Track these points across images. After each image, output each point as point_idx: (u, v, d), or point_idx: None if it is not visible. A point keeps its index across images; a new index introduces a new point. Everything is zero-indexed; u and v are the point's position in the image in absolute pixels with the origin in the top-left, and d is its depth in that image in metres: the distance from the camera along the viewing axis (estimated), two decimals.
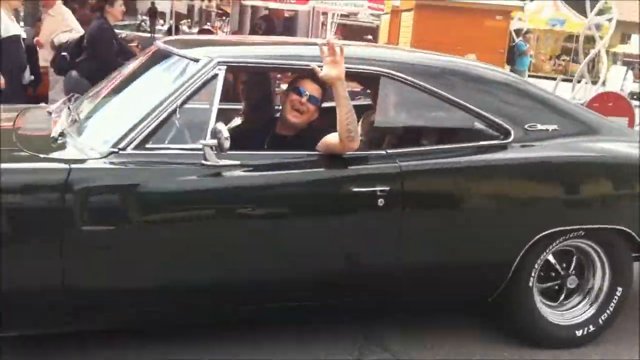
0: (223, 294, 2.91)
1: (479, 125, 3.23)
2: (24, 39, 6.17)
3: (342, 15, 15.99)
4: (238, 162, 2.82)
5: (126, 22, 12.98)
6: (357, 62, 3.13)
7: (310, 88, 3.14)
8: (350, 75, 3.16)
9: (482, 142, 3.21)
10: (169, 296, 2.84)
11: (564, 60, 23.69)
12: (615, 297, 3.43)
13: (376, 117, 3.15)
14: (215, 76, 2.88)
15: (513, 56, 13.59)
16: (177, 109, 2.80)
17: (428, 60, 3.37)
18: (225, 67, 2.91)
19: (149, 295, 2.80)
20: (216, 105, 2.84)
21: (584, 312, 3.45)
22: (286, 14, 15.11)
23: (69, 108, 3.19)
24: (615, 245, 3.40)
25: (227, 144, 2.71)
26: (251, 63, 3.10)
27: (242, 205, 2.85)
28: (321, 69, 2.88)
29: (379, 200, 2.93)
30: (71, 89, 4.82)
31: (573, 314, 3.44)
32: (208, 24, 19.24)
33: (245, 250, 2.85)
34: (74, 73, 5.89)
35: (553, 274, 3.41)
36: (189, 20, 18.80)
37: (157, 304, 2.85)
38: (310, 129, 3.18)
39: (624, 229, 3.34)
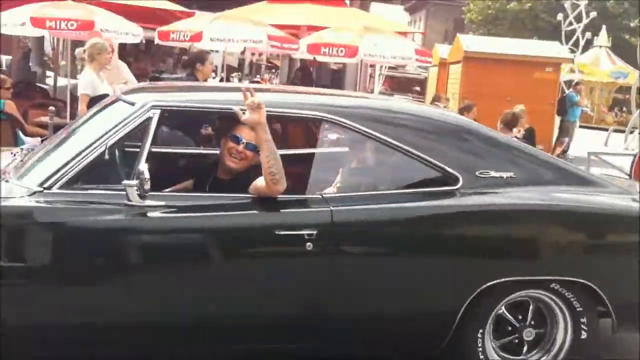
0: (143, 333, 2.89)
1: (424, 170, 3.14)
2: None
3: (390, 68, 16.10)
4: (163, 203, 2.85)
5: (178, 75, 13.39)
6: (298, 107, 3.17)
7: (247, 135, 3.11)
8: (293, 120, 3.16)
9: (426, 189, 3.13)
10: (89, 333, 2.84)
11: (623, 111, 23.03)
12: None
13: (315, 161, 3.12)
14: (149, 119, 2.95)
15: (564, 107, 13.28)
16: (107, 149, 2.86)
17: (371, 104, 3.33)
18: (159, 110, 2.98)
19: (68, 332, 2.82)
20: (147, 146, 2.89)
21: None
22: (335, 67, 15.35)
23: (21, 149, 3.31)
24: (575, 298, 3.19)
25: (147, 185, 2.75)
26: (183, 107, 3.18)
27: (164, 245, 2.86)
28: (244, 113, 2.91)
29: (307, 244, 2.87)
30: (164, 142, 4.65)
31: None
32: (258, 76, 19.76)
33: (167, 292, 2.84)
34: (164, 128, 5.94)
35: (509, 326, 3.24)
36: (240, 73, 19.34)
37: (77, 341, 2.85)
38: (247, 173, 3.17)
39: (583, 281, 3.14)
